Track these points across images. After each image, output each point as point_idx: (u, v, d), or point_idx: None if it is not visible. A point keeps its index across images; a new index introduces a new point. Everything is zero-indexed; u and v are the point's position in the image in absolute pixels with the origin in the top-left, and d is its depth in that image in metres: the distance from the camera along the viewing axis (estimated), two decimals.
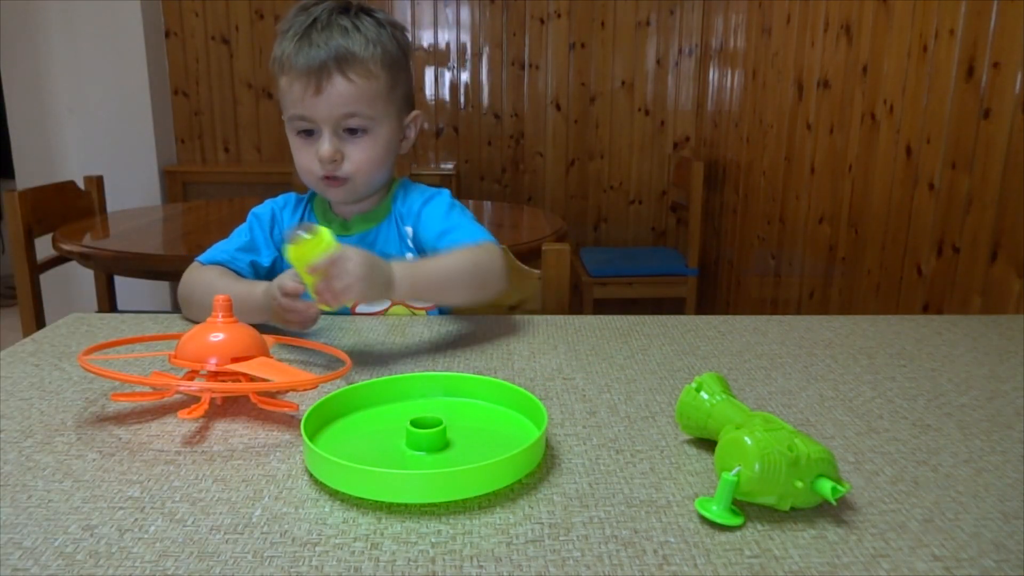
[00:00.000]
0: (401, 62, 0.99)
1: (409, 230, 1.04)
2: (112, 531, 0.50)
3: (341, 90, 0.93)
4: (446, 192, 1.07)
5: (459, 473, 0.53)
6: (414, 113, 1.05)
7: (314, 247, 0.75)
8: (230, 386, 0.68)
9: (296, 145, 0.98)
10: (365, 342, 0.90)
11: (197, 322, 0.82)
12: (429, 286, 0.89)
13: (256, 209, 1.07)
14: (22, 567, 0.46)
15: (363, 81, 0.94)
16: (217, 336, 0.71)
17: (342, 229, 1.04)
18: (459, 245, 0.95)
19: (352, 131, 0.96)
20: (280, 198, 1.09)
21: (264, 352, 0.73)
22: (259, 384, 0.68)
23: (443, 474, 0.54)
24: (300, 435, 0.60)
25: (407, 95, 1.03)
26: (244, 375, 0.69)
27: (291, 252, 0.75)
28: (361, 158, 0.97)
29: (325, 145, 0.95)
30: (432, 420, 0.61)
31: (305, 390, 0.73)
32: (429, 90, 3.51)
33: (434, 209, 1.03)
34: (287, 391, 0.72)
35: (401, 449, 0.60)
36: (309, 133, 0.96)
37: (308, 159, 0.97)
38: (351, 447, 0.61)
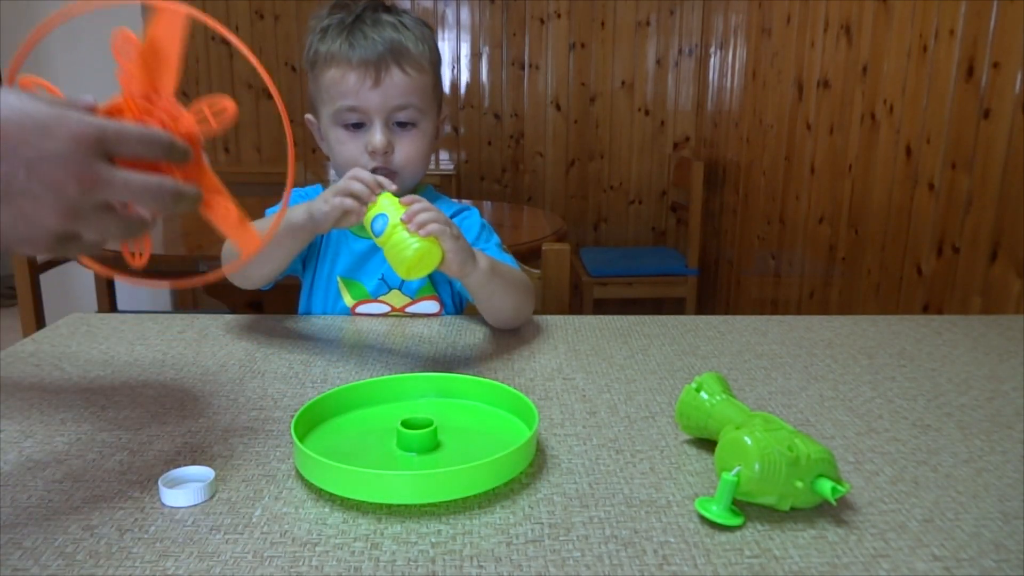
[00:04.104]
0: (440, 62, 1.02)
1: None
2: (112, 531, 0.50)
3: (398, 82, 0.94)
4: (475, 211, 1.07)
5: (447, 474, 0.53)
6: (444, 114, 1.06)
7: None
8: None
9: (341, 138, 0.97)
10: (365, 342, 0.90)
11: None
12: (497, 276, 0.89)
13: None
14: (22, 567, 0.46)
15: (417, 75, 0.96)
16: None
17: (362, 231, 1.04)
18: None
19: (401, 124, 0.97)
20: (306, 188, 1.08)
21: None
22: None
23: (431, 475, 0.54)
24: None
25: (442, 96, 1.05)
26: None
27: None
28: (410, 151, 0.97)
29: (378, 136, 0.95)
30: (423, 421, 0.61)
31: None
32: None
33: (466, 228, 1.02)
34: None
35: (391, 450, 0.60)
36: (357, 126, 0.96)
37: (355, 151, 0.96)
38: (341, 448, 0.61)
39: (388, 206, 0.82)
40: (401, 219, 0.80)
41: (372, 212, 0.82)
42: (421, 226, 0.79)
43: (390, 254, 0.80)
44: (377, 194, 0.83)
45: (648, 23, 3.42)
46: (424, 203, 0.82)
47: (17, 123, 0.45)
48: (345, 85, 0.94)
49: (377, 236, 0.81)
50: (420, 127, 0.98)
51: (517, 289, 0.93)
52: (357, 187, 0.82)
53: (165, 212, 0.52)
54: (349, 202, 0.82)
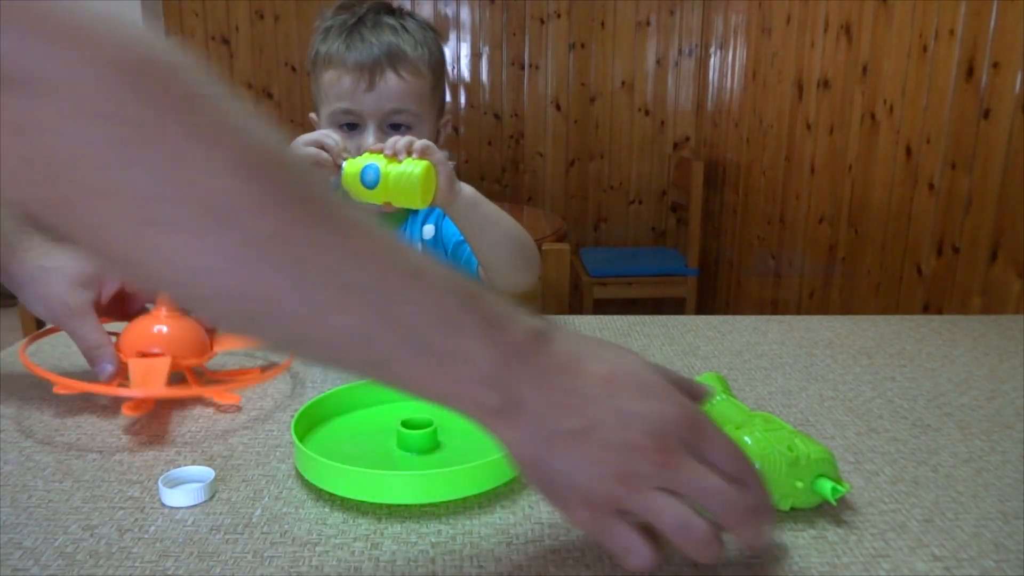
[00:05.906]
0: (442, 65, 1.03)
1: (430, 228, 1.04)
2: (112, 531, 0.50)
3: (392, 86, 0.95)
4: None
5: (447, 474, 0.53)
6: (445, 117, 1.07)
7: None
8: (174, 391, 0.68)
9: None
10: None
11: None
12: (484, 207, 0.91)
13: None
14: (22, 567, 0.46)
15: (413, 79, 0.97)
16: (160, 329, 0.71)
17: None
18: None
19: (395, 127, 0.97)
20: None
21: (205, 353, 0.73)
22: (203, 390, 0.68)
23: (431, 475, 0.54)
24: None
25: (443, 98, 1.05)
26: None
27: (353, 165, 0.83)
28: None
29: (370, 139, 0.95)
30: (423, 421, 0.61)
31: (248, 385, 0.73)
32: None
33: None
34: (231, 386, 0.72)
35: (391, 450, 0.60)
36: (352, 127, 0.97)
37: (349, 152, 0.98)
38: (341, 448, 0.61)
39: (366, 158, 0.83)
40: (385, 154, 0.82)
41: (353, 171, 0.82)
42: (408, 150, 0.81)
43: (396, 189, 0.80)
44: (345, 158, 0.84)
45: (648, 23, 3.42)
46: (395, 136, 0.84)
47: (622, 372, 0.42)
48: (340, 87, 0.95)
49: (372, 187, 0.81)
50: (415, 131, 0.98)
51: (511, 233, 0.93)
52: (330, 141, 0.84)
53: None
54: (324, 155, 0.84)
